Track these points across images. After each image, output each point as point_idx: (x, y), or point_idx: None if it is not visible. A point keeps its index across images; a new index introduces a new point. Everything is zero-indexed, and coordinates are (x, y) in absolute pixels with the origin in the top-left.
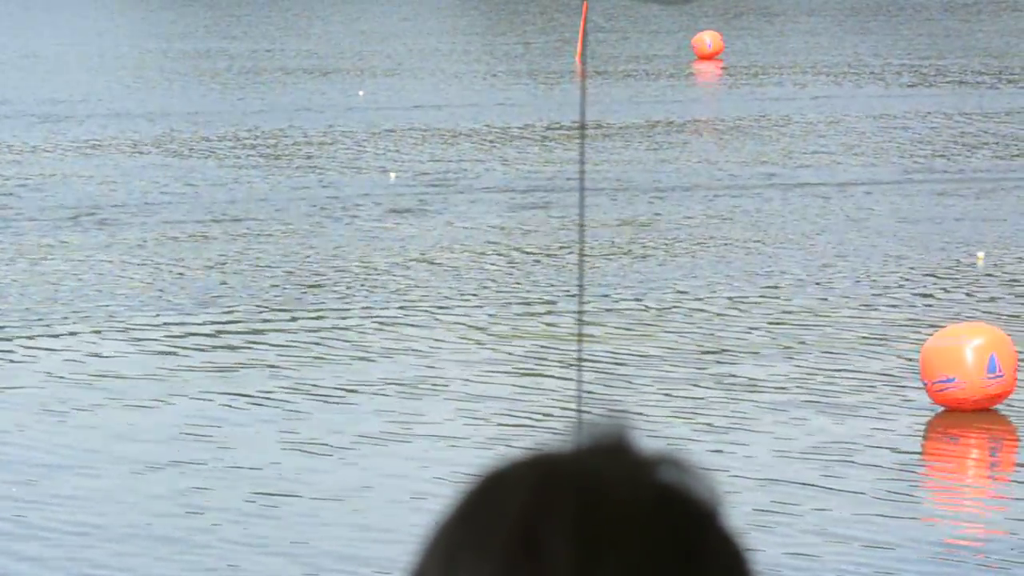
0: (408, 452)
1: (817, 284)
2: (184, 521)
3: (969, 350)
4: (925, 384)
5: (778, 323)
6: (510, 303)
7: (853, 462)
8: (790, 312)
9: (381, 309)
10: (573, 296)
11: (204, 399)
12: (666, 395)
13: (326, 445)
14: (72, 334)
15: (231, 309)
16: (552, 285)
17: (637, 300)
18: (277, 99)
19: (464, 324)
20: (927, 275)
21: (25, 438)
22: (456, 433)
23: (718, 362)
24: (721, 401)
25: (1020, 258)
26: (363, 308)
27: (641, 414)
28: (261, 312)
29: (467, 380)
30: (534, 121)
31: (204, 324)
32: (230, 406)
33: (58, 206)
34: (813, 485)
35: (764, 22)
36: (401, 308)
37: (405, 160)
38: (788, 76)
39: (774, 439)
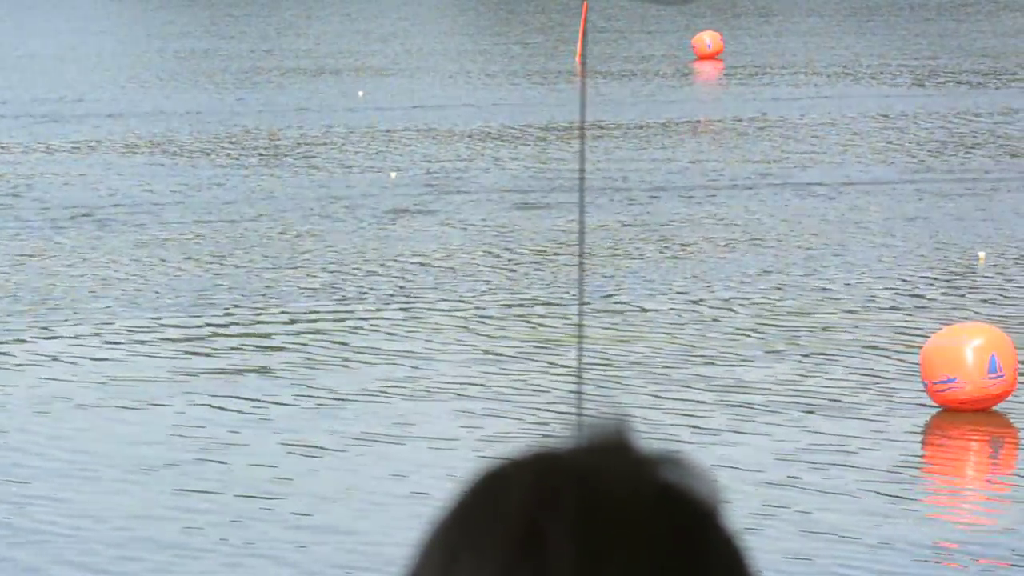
0: (405, 453)
1: (816, 284)
2: (182, 523)
3: (969, 350)
4: (925, 384)
5: (777, 323)
6: (509, 303)
7: (853, 463)
8: (789, 312)
9: (379, 310)
10: (574, 296)
11: (202, 400)
12: (658, 397)
13: (323, 448)
14: (72, 336)
15: (228, 310)
16: (550, 286)
17: (636, 300)
18: (275, 99)
19: (464, 324)
20: (927, 275)
21: (21, 439)
22: (454, 434)
23: (718, 362)
24: (720, 402)
25: (1020, 258)
26: (362, 308)
27: (638, 416)
28: (259, 313)
29: (465, 381)
30: (533, 121)
31: (201, 326)
32: (226, 408)
33: (55, 206)
34: (813, 485)
35: (764, 22)
36: (399, 308)
37: (405, 160)
38: (788, 76)
39: (773, 440)
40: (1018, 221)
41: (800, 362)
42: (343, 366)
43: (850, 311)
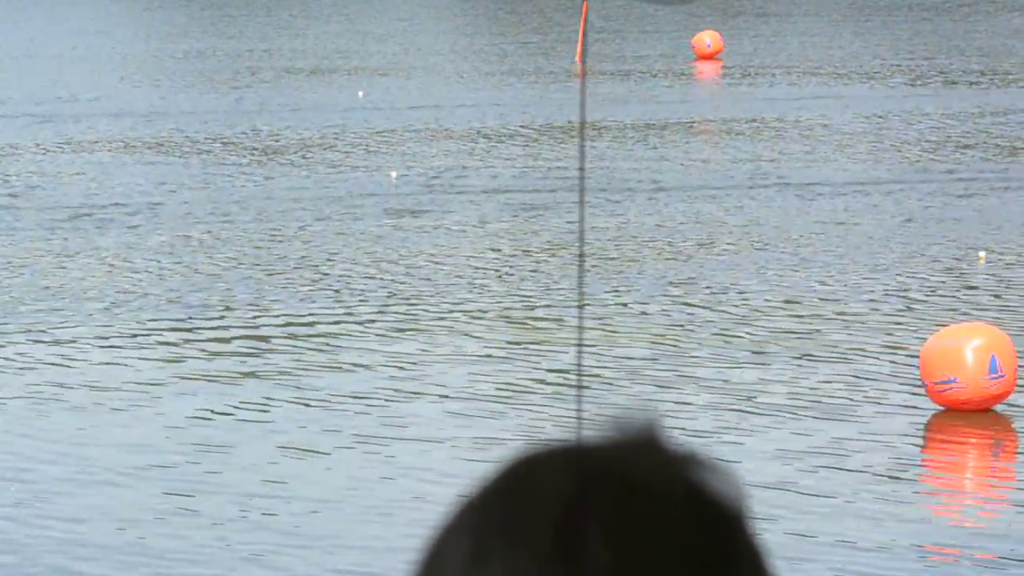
0: (403, 455)
1: (816, 284)
2: (176, 526)
3: (969, 351)
4: (926, 384)
5: (776, 324)
6: (508, 304)
7: (852, 463)
8: (788, 312)
9: (378, 311)
10: (573, 297)
11: (197, 402)
12: (656, 398)
13: (319, 452)
14: (69, 340)
15: (226, 311)
16: (549, 286)
17: (634, 301)
18: (275, 99)
19: (462, 325)
20: (926, 275)
21: (17, 440)
22: (452, 435)
23: (716, 363)
24: (719, 402)
25: (1020, 258)
26: (361, 309)
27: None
28: (257, 315)
29: (461, 383)
30: (533, 121)
31: (199, 328)
32: (221, 411)
33: (54, 206)
34: (812, 486)
35: (763, 22)
36: (398, 309)
37: (405, 160)
38: (787, 76)
39: (772, 441)
40: (1017, 221)
41: (799, 364)
42: (342, 367)
43: (850, 311)
